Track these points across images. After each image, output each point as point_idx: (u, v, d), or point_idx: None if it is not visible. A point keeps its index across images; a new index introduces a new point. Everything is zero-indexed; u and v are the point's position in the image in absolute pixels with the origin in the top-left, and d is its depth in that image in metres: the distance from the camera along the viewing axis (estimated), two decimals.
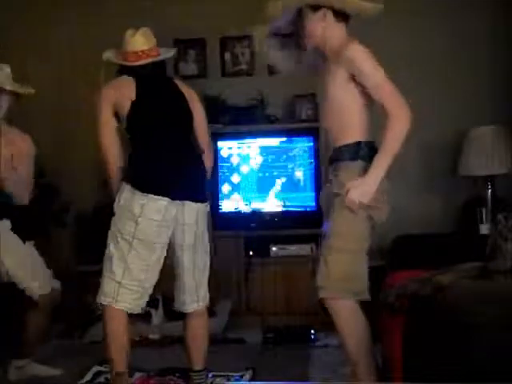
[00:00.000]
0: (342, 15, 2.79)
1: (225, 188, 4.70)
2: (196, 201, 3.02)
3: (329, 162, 2.85)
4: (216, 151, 4.67)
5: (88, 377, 3.51)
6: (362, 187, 2.64)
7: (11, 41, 4.88)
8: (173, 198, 2.93)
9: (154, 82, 3.14)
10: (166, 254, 3.01)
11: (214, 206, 4.65)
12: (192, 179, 3.04)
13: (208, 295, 3.17)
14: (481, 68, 4.65)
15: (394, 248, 4.22)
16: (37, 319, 3.52)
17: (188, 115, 3.16)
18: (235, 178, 4.70)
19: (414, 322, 2.53)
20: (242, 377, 3.43)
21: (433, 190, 4.73)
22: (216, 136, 4.66)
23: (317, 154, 4.51)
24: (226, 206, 4.70)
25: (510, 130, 4.35)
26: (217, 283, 4.54)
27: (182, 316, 4.29)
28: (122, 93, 3.04)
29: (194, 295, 3.10)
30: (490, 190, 4.36)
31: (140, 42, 3.08)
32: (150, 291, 3.00)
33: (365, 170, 2.67)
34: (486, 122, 4.39)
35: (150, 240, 2.91)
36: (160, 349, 3.94)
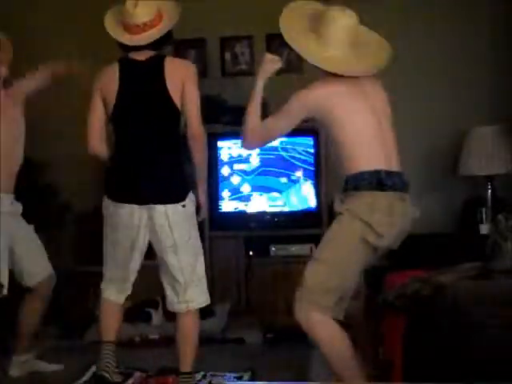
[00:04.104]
0: None
1: (224, 188, 4.69)
2: (164, 203, 2.91)
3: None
4: (216, 151, 4.67)
5: (86, 377, 3.49)
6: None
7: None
8: (138, 203, 2.92)
9: (135, 63, 2.98)
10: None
11: (214, 206, 4.65)
12: (158, 180, 2.94)
13: (203, 297, 3.07)
14: (481, 68, 4.64)
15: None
16: (33, 306, 3.51)
17: (162, 101, 2.94)
18: (235, 178, 4.69)
19: (415, 322, 2.52)
20: (240, 378, 3.42)
21: (433, 190, 4.73)
22: (216, 136, 4.66)
23: (317, 154, 4.50)
24: (226, 206, 4.69)
25: (510, 130, 4.35)
26: (216, 283, 4.59)
27: None
28: (109, 78, 2.98)
29: (181, 296, 3.02)
30: (489, 190, 4.35)
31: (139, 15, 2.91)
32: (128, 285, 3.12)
33: (369, 199, 2.62)
34: (486, 122, 4.39)
35: (119, 243, 3.02)
36: (160, 349, 3.93)
